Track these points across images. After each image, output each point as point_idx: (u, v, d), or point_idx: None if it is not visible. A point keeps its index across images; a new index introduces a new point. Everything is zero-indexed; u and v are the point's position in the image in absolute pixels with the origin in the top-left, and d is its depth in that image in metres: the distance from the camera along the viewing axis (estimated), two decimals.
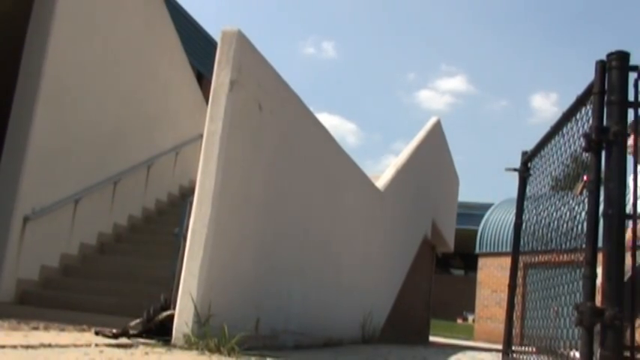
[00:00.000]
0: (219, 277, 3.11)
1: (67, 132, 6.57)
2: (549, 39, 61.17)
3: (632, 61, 2.44)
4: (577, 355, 2.38)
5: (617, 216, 2.30)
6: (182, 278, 3.02)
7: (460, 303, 25.73)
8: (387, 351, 4.97)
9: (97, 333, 3.33)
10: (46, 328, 3.77)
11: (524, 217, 4.28)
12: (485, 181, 60.26)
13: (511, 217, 13.45)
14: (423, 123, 9.92)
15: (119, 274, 6.34)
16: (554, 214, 3.38)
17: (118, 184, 7.41)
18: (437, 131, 10.03)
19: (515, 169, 4.40)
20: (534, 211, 3.98)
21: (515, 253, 4.32)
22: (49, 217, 6.28)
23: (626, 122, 2.37)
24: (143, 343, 2.98)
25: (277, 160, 3.74)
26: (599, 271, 2.30)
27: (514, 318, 4.20)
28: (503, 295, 6.53)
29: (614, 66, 2.43)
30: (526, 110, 64.85)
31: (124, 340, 3.07)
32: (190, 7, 25.24)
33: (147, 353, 2.61)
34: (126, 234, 7.60)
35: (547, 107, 61.05)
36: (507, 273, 4.44)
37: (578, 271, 2.65)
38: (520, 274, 4.25)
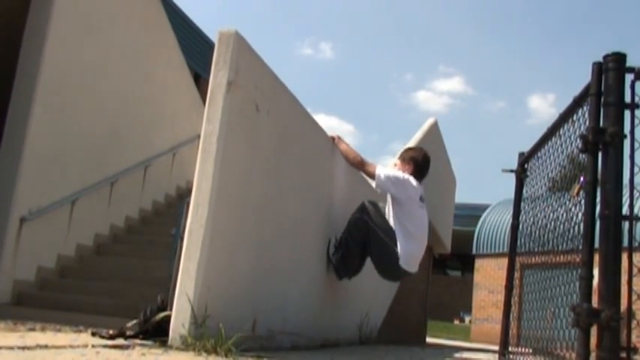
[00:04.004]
0: (216, 278, 3.11)
1: (63, 133, 6.56)
2: (547, 40, 61.35)
3: (629, 63, 2.44)
4: None
5: (614, 217, 2.31)
6: (179, 279, 3.02)
7: (457, 304, 25.74)
8: (384, 352, 4.97)
9: (93, 334, 3.33)
10: (42, 329, 3.76)
11: (521, 218, 4.29)
12: (483, 182, 60.40)
13: (508, 218, 13.46)
14: (421, 124, 9.93)
15: (116, 275, 6.33)
16: (551, 216, 3.39)
17: (115, 185, 7.40)
18: (434, 132, 10.04)
19: (512, 170, 4.40)
20: (531, 212, 3.99)
21: (512, 254, 4.33)
22: (46, 218, 6.28)
23: (623, 123, 2.38)
24: (140, 344, 2.98)
25: (275, 160, 3.75)
26: (596, 272, 2.31)
27: (511, 319, 4.21)
28: (500, 296, 6.54)
29: (610, 67, 2.43)
30: (523, 111, 65.06)
31: (120, 341, 3.06)
32: (187, 8, 25.25)
33: (143, 354, 2.61)
34: (123, 235, 7.60)
35: (544, 108, 61.20)
36: (504, 274, 4.45)
37: (574, 272, 2.66)
38: (517, 275, 4.26)
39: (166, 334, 2.98)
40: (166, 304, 3.23)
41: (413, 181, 4.55)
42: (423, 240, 4.65)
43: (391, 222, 4.49)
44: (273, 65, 3.65)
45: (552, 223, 3.33)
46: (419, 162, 4.73)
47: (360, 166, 4.68)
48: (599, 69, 2.49)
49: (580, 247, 2.50)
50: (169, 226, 4.91)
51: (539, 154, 3.85)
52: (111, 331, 3.25)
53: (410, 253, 4.44)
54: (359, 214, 4.50)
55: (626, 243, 2.38)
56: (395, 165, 4.80)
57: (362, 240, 4.48)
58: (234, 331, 2.94)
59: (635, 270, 2.41)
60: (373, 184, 4.91)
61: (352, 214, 4.56)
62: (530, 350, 3.61)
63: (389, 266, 4.51)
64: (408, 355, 5.10)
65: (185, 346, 2.88)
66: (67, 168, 6.61)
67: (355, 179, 5.36)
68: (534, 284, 3.65)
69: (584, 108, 2.68)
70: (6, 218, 5.89)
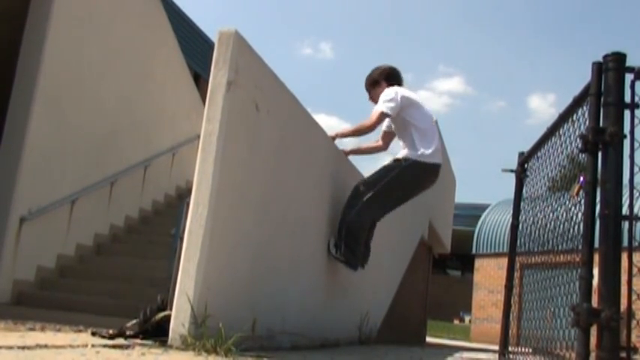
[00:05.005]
0: (216, 278, 3.11)
1: (63, 132, 6.56)
2: (547, 40, 61.35)
3: (629, 63, 2.44)
4: None
5: (614, 217, 2.31)
6: (179, 279, 3.02)
7: (457, 304, 25.74)
8: (383, 352, 4.97)
9: (93, 334, 3.33)
10: (42, 329, 3.76)
11: (520, 217, 4.29)
12: (483, 182, 60.41)
13: (508, 217, 13.46)
14: None
15: (116, 275, 6.33)
16: (551, 215, 3.39)
17: (115, 184, 7.40)
18: None
19: (511, 170, 4.40)
20: (531, 212, 3.99)
21: (512, 253, 4.33)
22: (46, 218, 6.28)
23: (623, 123, 2.38)
24: (140, 344, 2.98)
25: (274, 160, 3.74)
26: (596, 272, 2.31)
27: (511, 319, 4.21)
28: (500, 296, 6.53)
29: (610, 67, 2.43)
30: (523, 111, 65.09)
31: (120, 341, 3.06)
32: (187, 8, 25.26)
33: (143, 354, 2.60)
34: (122, 235, 7.60)
35: (544, 108, 61.24)
36: (504, 274, 4.45)
37: (574, 271, 2.66)
38: (517, 274, 4.26)
39: (166, 334, 2.98)
40: (166, 304, 3.23)
41: (398, 88, 4.61)
42: (435, 132, 4.68)
43: (406, 136, 4.54)
44: (273, 65, 3.66)
45: (552, 223, 3.33)
46: (388, 71, 4.77)
47: (372, 126, 4.59)
48: (599, 69, 2.49)
49: (580, 247, 2.49)
50: (169, 226, 4.92)
51: (539, 154, 3.84)
52: (111, 331, 3.25)
53: (433, 149, 4.50)
54: (356, 200, 4.47)
55: (626, 243, 2.38)
56: (370, 98, 4.80)
57: (372, 223, 4.57)
58: (234, 331, 2.94)
59: (635, 270, 2.40)
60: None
61: (350, 203, 4.51)
62: (530, 350, 3.61)
63: (417, 179, 4.57)
64: (408, 355, 5.10)
65: (185, 345, 2.88)
66: (66, 167, 6.61)
67: (355, 178, 5.36)
68: (534, 284, 3.65)
69: (584, 108, 2.68)
70: (6, 218, 5.89)
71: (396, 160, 4.53)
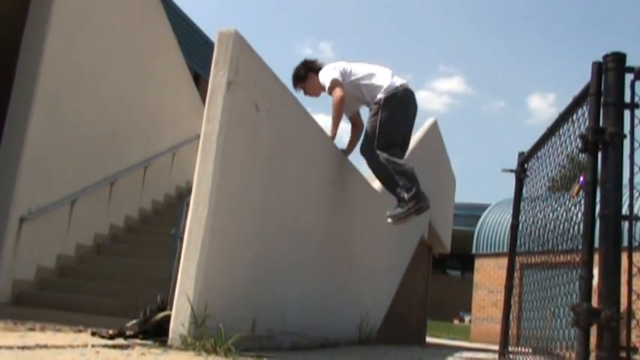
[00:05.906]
0: (215, 278, 3.11)
1: (63, 132, 6.56)
2: (547, 40, 61.35)
3: (629, 63, 2.44)
4: None
5: (614, 217, 2.31)
6: (179, 279, 3.02)
7: (457, 304, 25.75)
8: (383, 352, 4.97)
9: (93, 334, 3.33)
10: (42, 329, 3.76)
11: (520, 217, 4.29)
12: (483, 182, 60.43)
13: (508, 217, 13.46)
14: (420, 124, 9.92)
15: (116, 275, 6.33)
16: (551, 215, 3.39)
17: (115, 184, 7.40)
18: (434, 132, 10.03)
19: (511, 170, 4.40)
20: (531, 212, 3.99)
21: (512, 253, 4.33)
22: (46, 218, 6.27)
23: (623, 123, 2.38)
24: (139, 344, 2.98)
25: (274, 160, 3.74)
26: (596, 272, 2.31)
27: (511, 319, 4.21)
28: (500, 296, 6.54)
29: (610, 67, 2.43)
30: (523, 111, 65.13)
31: (120, 341, 3.06)
32: (187, 8, 25.26)
33: (143, 354, 2.61)
34: (122, 235, 7.59)
35: (544, 108, 61.27)
36: (504, 273, 4.45)
37: (574, 271, 2.66)
38: (517, 274, 4.26)
39: (166, 333, 2.98)
40: (166, 304, 3.23)
41: (327, 68, 4.87)
42: (379, 66, 4.89)
43: (364, 92, 4.77)
44: (273, 65, 3.66)
45: (552, 222, 3.33)
46: (308, 64, 5.03)
47: (340, 97, 4.69)
48: (598, 69, 2.49)
49: (580, 246, 2.49)
50: (169, 226, 4.91)
51: (538, 153, 3.84)
52: (111, 331, 3.25)
53: (390, 77, 4.75)
54: (372, 157, 4.66)
55: (625, 243, 2.38)
56: (306, 93, 5.05)
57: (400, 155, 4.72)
58: (234, 331, 2.94)
59: (634, 270, 2.40)
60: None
61: (372, 164, 4.74)
62: (530, 350, 3.61)
63: (400, 107, 4.70)
64: (407, 355, 5.10)
65: (185, 345, 2.88)
66: (66, 167, 6.61)
67: (355, 178, 5.36)
68: (534, 284, 3.65)
69: (584, 108, 2.68)
70: (6, 218, 5.89)
71: (374, 105, 4.68)
